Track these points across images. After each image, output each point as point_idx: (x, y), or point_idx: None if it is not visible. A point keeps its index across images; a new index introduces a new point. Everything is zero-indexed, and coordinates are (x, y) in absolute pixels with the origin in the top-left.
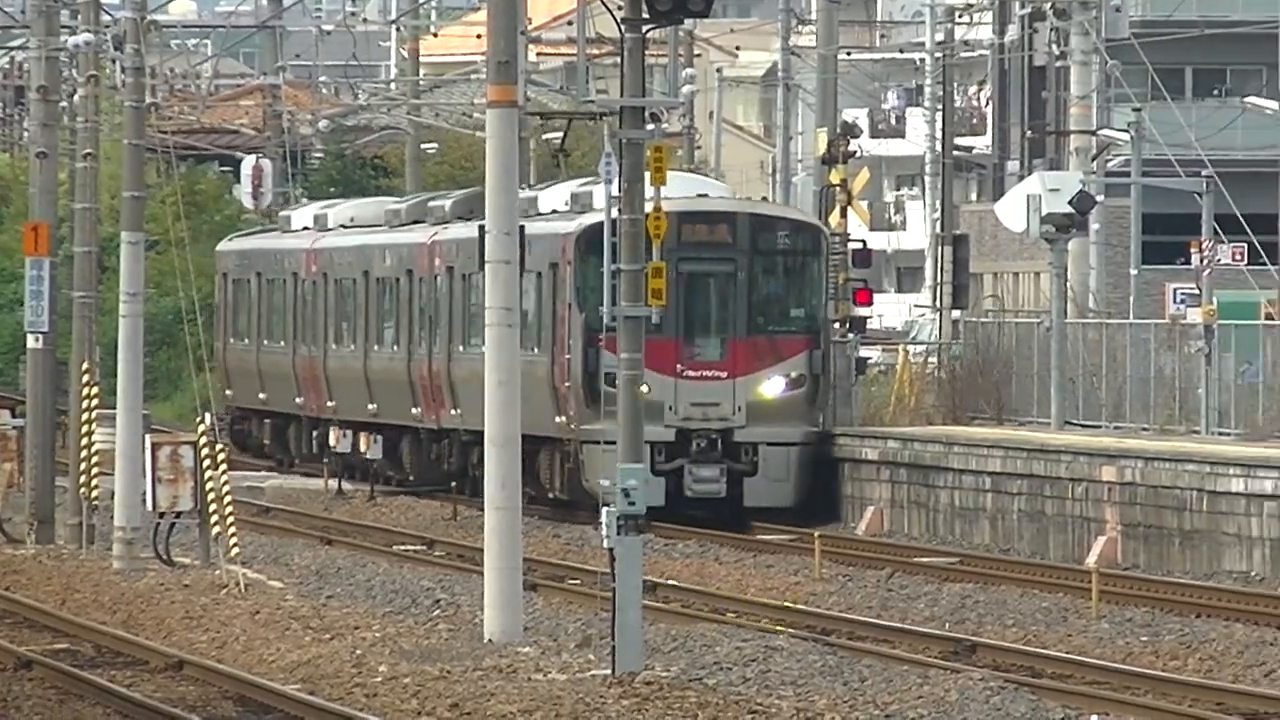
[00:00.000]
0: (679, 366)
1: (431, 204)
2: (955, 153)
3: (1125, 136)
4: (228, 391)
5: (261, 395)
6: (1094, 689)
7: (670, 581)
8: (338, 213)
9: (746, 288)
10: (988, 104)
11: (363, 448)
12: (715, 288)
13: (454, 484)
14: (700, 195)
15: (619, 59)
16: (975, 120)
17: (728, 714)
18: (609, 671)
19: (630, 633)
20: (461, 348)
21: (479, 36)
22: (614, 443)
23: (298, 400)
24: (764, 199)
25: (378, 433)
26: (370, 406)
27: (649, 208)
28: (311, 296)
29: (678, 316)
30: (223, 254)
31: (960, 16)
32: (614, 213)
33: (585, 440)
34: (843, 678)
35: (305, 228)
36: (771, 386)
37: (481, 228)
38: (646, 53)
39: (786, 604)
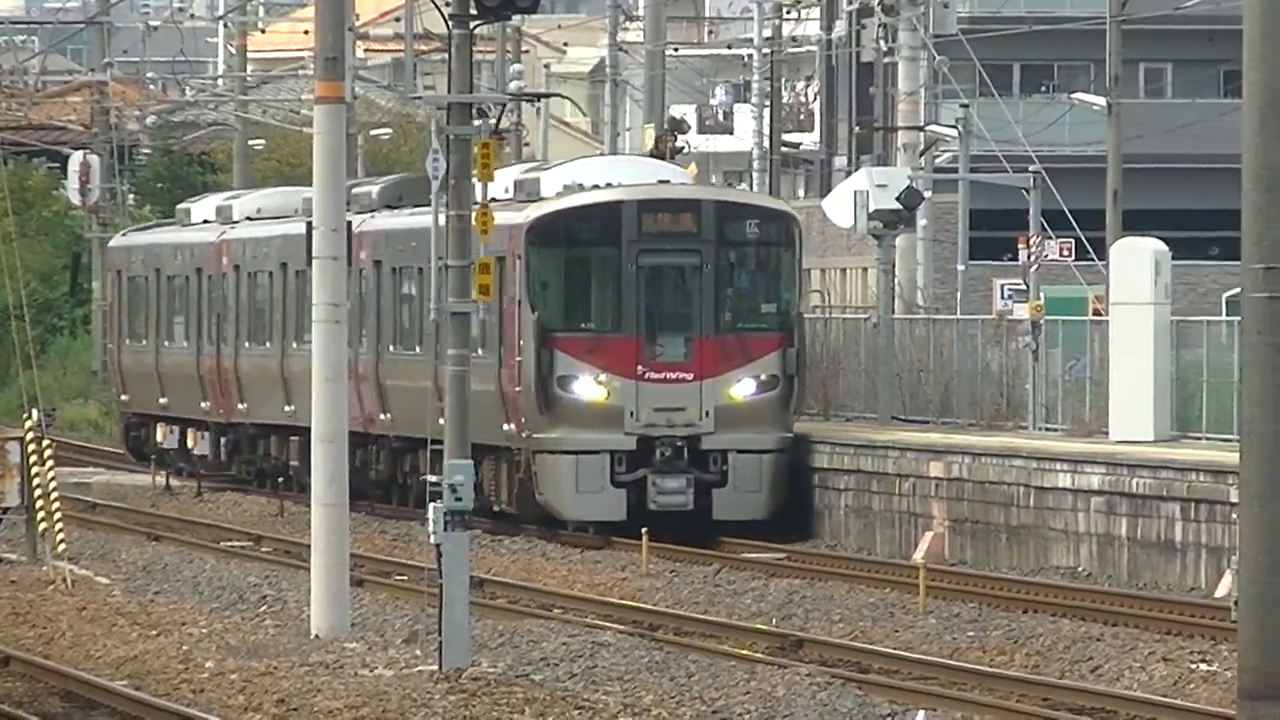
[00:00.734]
0: (640, 368)
1: (356, 191)
2: (783, 149)
3: (953, 132)
4: (123, 397)
5: (162, 400)
6: (921, 684)
7: (498, 578)
8: (244, 204)
9: (713, 282)
10: (815, 100)
11: (190, 443)
12: (679, 282)
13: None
14: (661, 181)
15: (447, 55)
16: (803, 116)
17: (554, 709)
18: (436, 667)
19: (457, 628)
20: (392, 348)
21: (307, 32)
22: (572, 452)
23: (203, 405)
24: (729, 185)
25: (294, 436)
26: (288, 409)
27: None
28: (220, 292)
29: (639, 313)
30: (115, 250)
31: (788, 13)
32: (571, 204)
33: (538, 450)
34: (669, 673)
35: (207, 220)
36: (742, 389)
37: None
38: (474, 49)
39: (614, 600)
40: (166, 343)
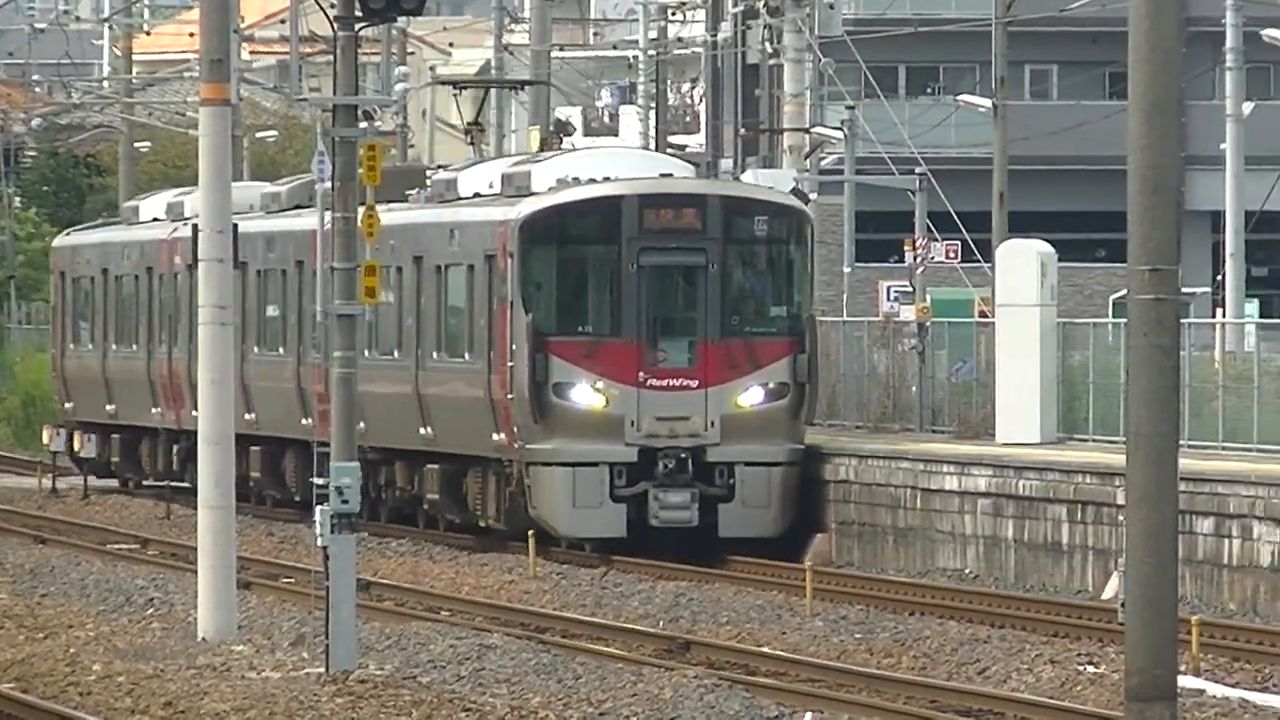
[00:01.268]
0: (641, 375)
1: (320, 185)
2: (668, 151)
3: (839, 134)
4: (67, 405)
5: (109, 407)
6: (808, 686)
7: (385, 580)
8: (196, 200)
9: (719, 282)
10: (701, 102)
11: (76, 446)
12: (683, 283)
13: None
14: (664, 175)
15: (332, 57)
16: (689, 118)
17: (441, 712)
18: (323, 670)
19: (344, 631)
20: (367, 353)
21: (192, 35)
22: (568, 464)
23: (154, 411)
24: (735, 178)
25: (255, 445)
26: (249, 416)
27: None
28: (173, 293)
29: (640, 317)
30: (59, 250)
31: (673, 14)
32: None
33: (532, 462)
34: (557, 675)
35: (156, 219)
36: (749, 397)
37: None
38: (359, 51)
39: (501, 603)
40: (114, 346)
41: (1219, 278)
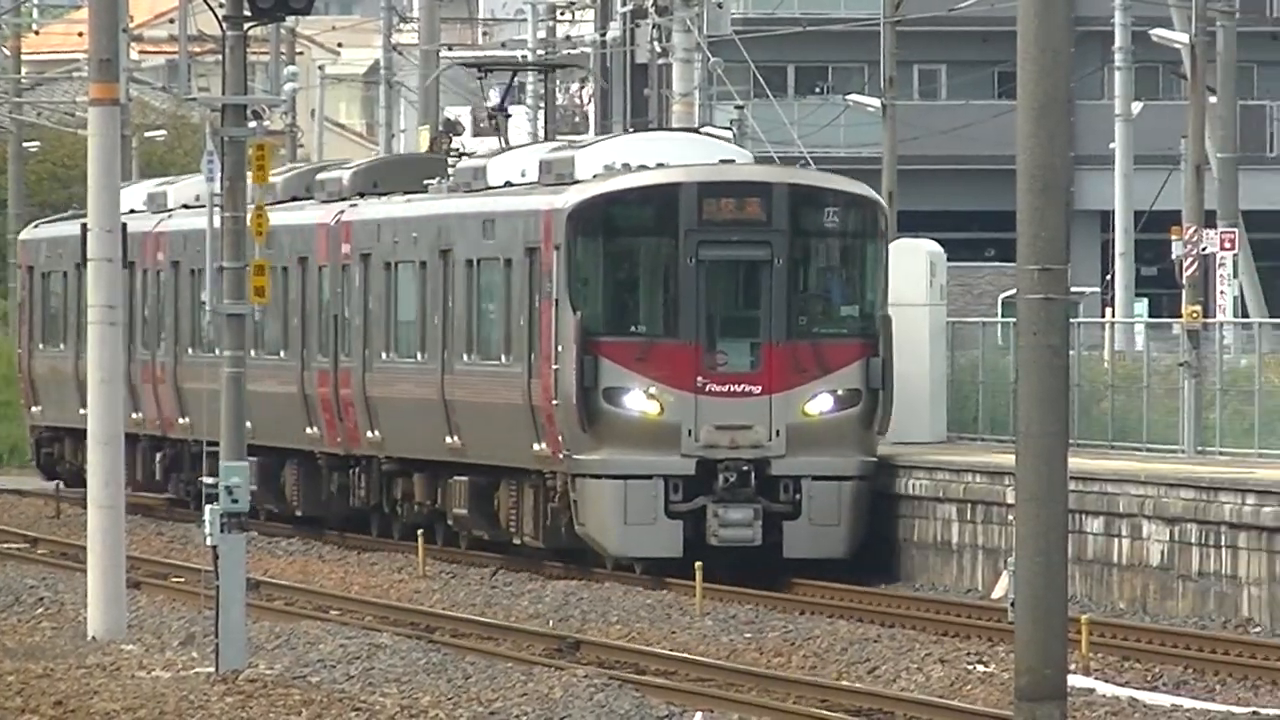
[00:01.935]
0: (700, 380)
1: (322, 176)
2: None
3: (728, 134)
4: (35, 409)
5: (83, 411)
6: (698, 686)
7: (274, 579)
8: (180, 190)
9: (785, 279)
10: (590, 102)
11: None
12: (745, 279)
13: None
14: (724, 161)
15: (221, 56)
16: (578, 118)
17: (331, 711)
18: (213, 669)
19: (234, 630)
20: (385, 354)
21: (81, 34)
22: (619, 476)
23: (135, 415)
24: (803, 165)
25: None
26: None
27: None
28: (156, 290)
29: (698, 317)
30: (28, 244)
31: (562, 14)
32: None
33: (579, 474)
34: (447, 675)
35: (134, 210)
36: (818, 404)
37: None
38: (248, 50)
39: (391, 602)
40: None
41: (1108, 277)
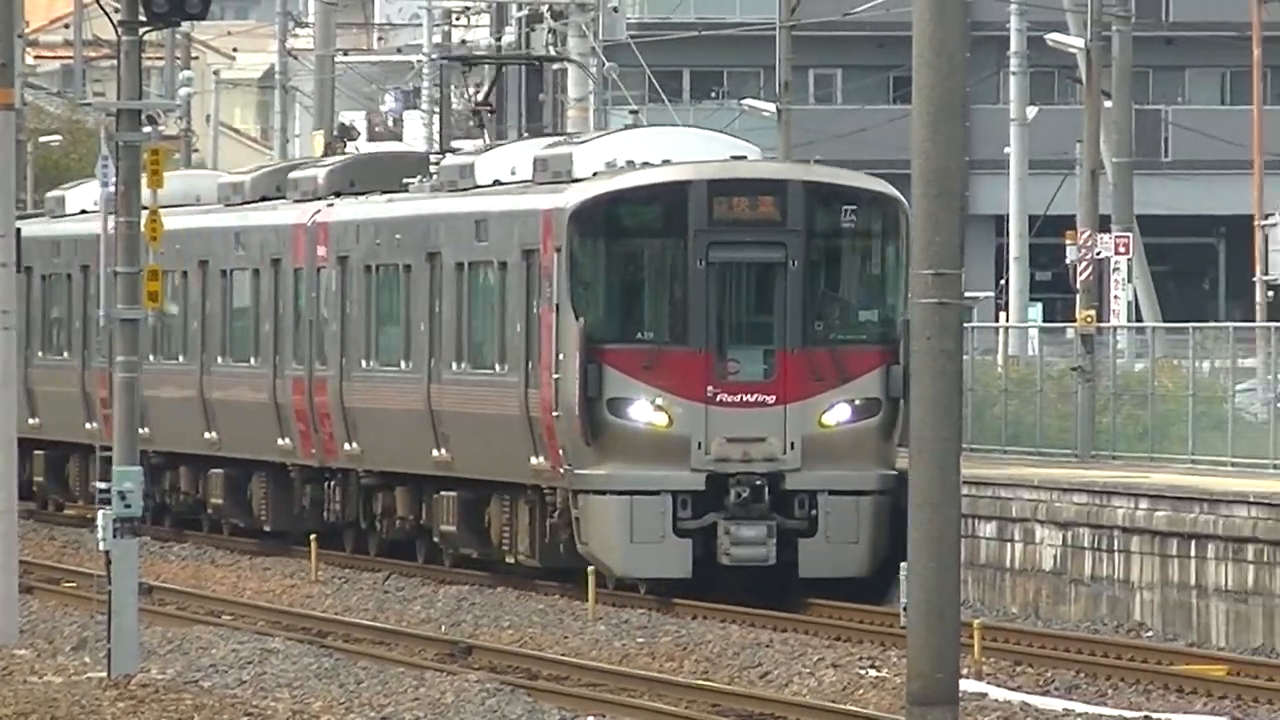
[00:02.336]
0: (710, 389)
1: (295, 175)
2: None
3: None
4: (31, 421)
5: (32, 420)
6: (591, 691)
7: (167, 584)
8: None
9: (801, 282)
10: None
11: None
12: (758, 283)
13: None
14: (735, 158)
15: (116, 61)
16: (473, 123)
17: (223, 716)
18: (105, 674)
19: (126, 635)
20: (365, 362)
21: None
22: (625, 492)
23: (89, 426)
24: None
25: (217, 468)
26: (209, 435)
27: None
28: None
29: (708, 321)
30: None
31: (457, 19)
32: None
33: (582, 490)
34: (339, 680)
35: (86, 210)
36: (835, 415)
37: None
38: (143, 55)
39: (283, 607)
40: (41, 354)
41: (1002, 282)
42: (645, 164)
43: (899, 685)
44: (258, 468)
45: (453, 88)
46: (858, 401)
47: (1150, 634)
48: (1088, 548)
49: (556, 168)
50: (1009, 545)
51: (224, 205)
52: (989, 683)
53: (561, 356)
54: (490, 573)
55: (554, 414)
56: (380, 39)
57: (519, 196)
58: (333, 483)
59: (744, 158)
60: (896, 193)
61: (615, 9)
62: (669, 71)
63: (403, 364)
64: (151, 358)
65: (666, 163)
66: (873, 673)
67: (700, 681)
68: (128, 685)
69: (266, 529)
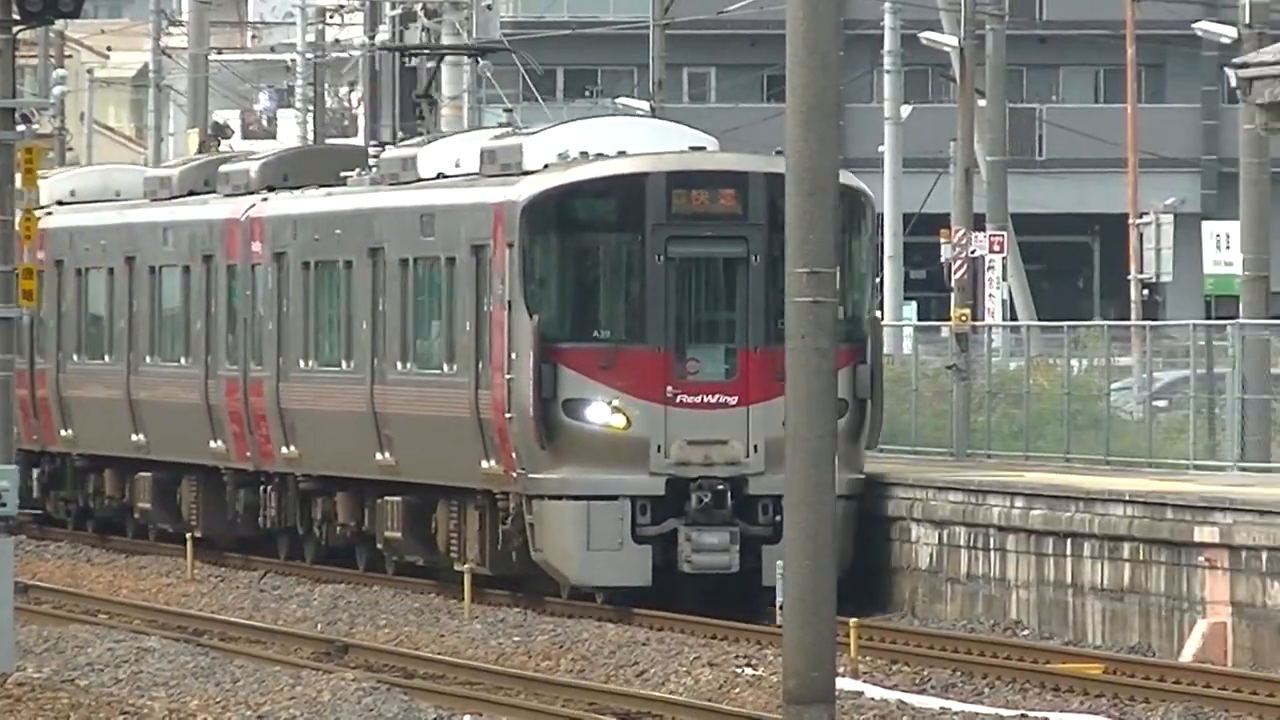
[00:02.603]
0: (670, 389)
1: (226, 169)
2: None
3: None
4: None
5: (136, 437)
6: (467, 689)
7: (42, 583)
8: (53, 186)
9: (763, 278)
10: (359, 105)
11: None
12: (720, 279)
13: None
14: (694, 149)
15: None
16: (347, 121)
17: (100, 715)
18: None
19: (2, 634)
20: (303, 363)
21: None
22: (581, 497)
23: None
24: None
25: (145, 471)
26: (135, 438)
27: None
28: (43, 293)
29: (667, 320)
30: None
31: (331, 17)
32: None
33: (536, 495)
34: (215, 679)
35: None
36: None
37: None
38: (16, 53)
39: (160, 606)
40: None
41: (877, 280)
42: (599, 155)
43: (775, 684)
44: (188, 471)
45: (327, 86)
46: None
47: (1027, 632)
48: (964, 546)
49: (505, 159)
50: (885, 544)
51: (150, 200)
52: (865, 681)
53: (514, 356)
54: (368, 571)
55: (507, 416)
56: (254, 37)
57: (467, 189)
58: (268, 487)
59: (703, 149)
60: (862, 185)
61: (489, 7)
62: (543, 70)
63: (344, 364)
64: (76, 357)
65: (622, 154)
66: (749, 671)
67: (576, 680)
68: (4, 684)
69: (197, 535)
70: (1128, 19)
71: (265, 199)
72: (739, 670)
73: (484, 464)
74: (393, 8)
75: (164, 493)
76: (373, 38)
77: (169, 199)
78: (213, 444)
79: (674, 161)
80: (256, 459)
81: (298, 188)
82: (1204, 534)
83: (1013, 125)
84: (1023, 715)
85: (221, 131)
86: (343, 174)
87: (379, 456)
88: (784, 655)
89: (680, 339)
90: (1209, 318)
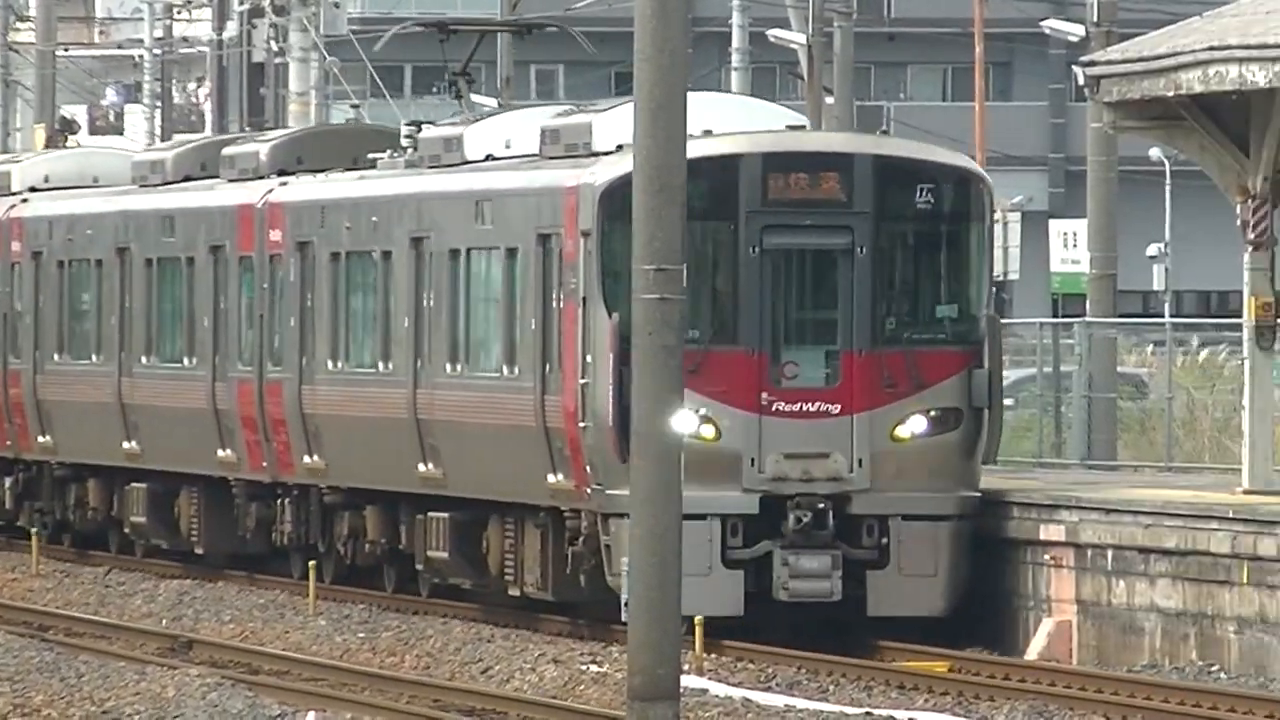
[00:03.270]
0: (765, 397)
1: (231, 151)
2: None
3: None
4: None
5: (128, 444)
6: (312, 686)
7: None
8: (26, 170)
9: (870, 273)
10: (207, 100)
11: None
12: (821, 273)
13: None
14: (793, 128)
15: None
16: (194, 117)
17: None
18: None
19: None
20: (331, 364)
21: None
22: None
23: None
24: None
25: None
26: (127, 445)
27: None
28: (10, 288)
29: (762, 319)
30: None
31: (179, 13)
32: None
33: (613, 513)
34: (60, 674)
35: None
36: (910, 426)
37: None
38: None
39: (3, 601)
40: None
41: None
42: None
43: (621, 681)
44: (188, 482)
45: (175, 82)
46: (935, 411)
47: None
48: None
49: (571, 139)
50: None
51: (139, 185)
52: (710, 678)
53: (590, 358)
54: (214, 566)
55: (580, 425)
56: (101, 33)
57: (530, 172)
58: (285, 500)
59: (802, 127)
60: (980, 169)
61: (336, 4)
62: (391, 66)
63: (381, 365)
64: (57, 357)
65: (708, 134)
66: (594, 668)
67: (421, 677)
68: None
69: (198, 551)
70: (976, 17)
71: (285, 183)
72: (584, 667)
73: (550, 478)
74: (240, 3)
75: (160, 505)
76: (220, 34)
77: (163, 184)
78: (220, 453)
79: (770, 141)
80: (273, 469)
81: (317, 171)
82: (1049, 532)
83: (860, 123)
84: (868, 713)
85: (68, 127)
86: (371, 156)
87: (422, 468)
88: (629, 652)
89: (776, 340)
90: (1056, 316)
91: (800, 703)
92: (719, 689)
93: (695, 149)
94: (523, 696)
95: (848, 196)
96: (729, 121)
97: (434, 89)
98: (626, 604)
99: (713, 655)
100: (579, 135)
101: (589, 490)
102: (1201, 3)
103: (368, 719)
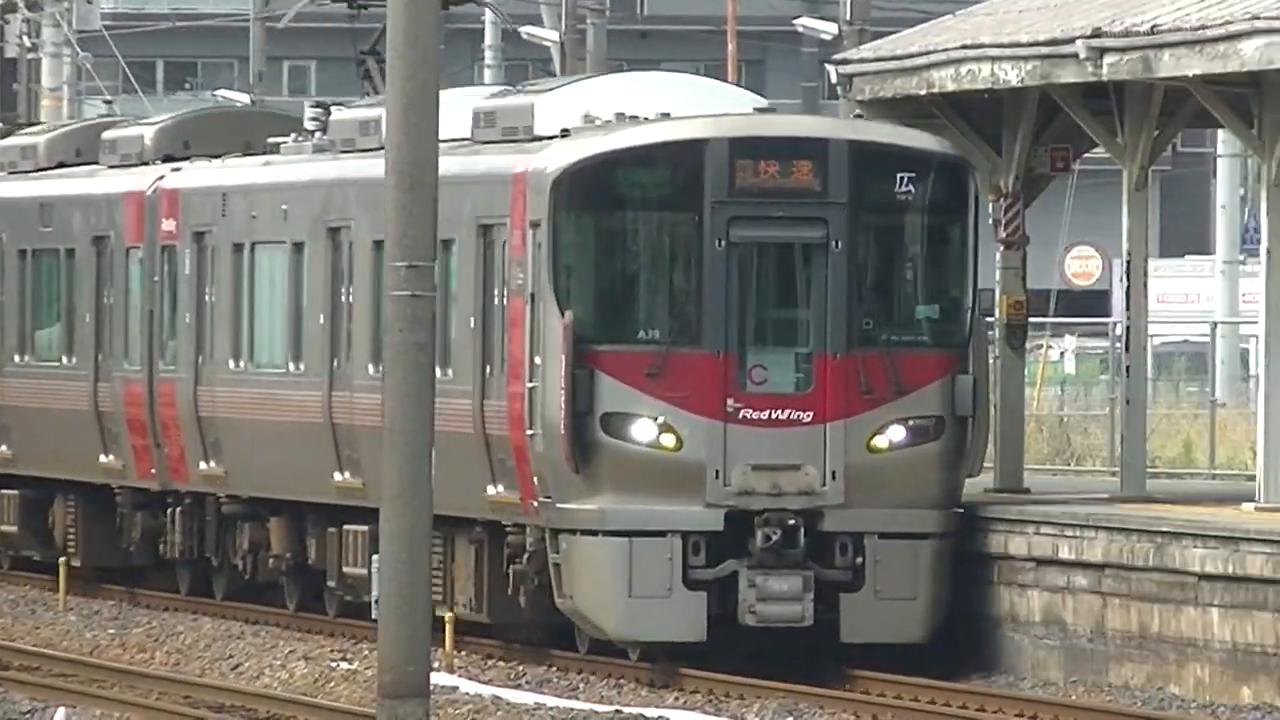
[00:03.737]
0: (731, 403)
1: (111, 135)
2: None
3: None
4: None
5: (106, 459)
6: (61, 682)
7: None
8: None
9: (846, 268)
10: None
11: None
12: (793, 269)
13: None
14: (761, 110)
15: None
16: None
17: None
18: None
19: None
20: (232, 363)
21: None
22: (622, 533)
23: None
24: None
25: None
26: (104, 459)
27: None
28: None
29: (728, 319)
30: None
31: None
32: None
33: (564, 529)
34: None
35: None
36: (888, 436)
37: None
38: None
39: None
40: None
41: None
42: (634, 118)
43: (371, 678)
44: (64, 489)
45: None
46: (915, 420)
47: None
48: None
49: (509, 122)
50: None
51: (8, 172)
52: (461, 676)
53: (539, 360)
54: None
55: (529, 433)
56: None
57: (467, 157)
58: (176, 510)
59: (772, 110)
60: (963, 156)
61: (90, 0)
62: (143, 62)
63: (291, 366)
64: (18, 359)
65: (666, 117)
66: (344, 665)
67: (171, 673)
68: None
69: (75, 564)
70: (729, 15)
71: (177, 169)
72: (334, 664)
73: (489, 489)
74: None
75: (33, 514)
76: None
77: (33, 171)
78: (103, 458)
79: (738, 125)
80: (163, 476)
81: (210, 156)
82: None
83: None
84: (618, 710)
85: None
86: (273, 140)
87: (338, 477)
88: (379, 650)
89: (744, 341)
90: None
91: (550, 700)
92: (469, 686)
93: (654, 133)
94: (273, 693)
95: (822, 185)
96: (689, 104)
97: (186, 84)
98: (376, 601)
99: (463, 653)
100: (519, 118)
101: (536, 503)
102: (955, 3)
103: (117, 715)
